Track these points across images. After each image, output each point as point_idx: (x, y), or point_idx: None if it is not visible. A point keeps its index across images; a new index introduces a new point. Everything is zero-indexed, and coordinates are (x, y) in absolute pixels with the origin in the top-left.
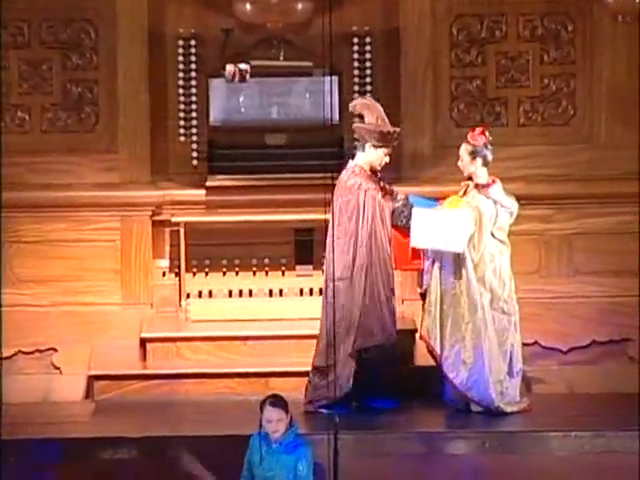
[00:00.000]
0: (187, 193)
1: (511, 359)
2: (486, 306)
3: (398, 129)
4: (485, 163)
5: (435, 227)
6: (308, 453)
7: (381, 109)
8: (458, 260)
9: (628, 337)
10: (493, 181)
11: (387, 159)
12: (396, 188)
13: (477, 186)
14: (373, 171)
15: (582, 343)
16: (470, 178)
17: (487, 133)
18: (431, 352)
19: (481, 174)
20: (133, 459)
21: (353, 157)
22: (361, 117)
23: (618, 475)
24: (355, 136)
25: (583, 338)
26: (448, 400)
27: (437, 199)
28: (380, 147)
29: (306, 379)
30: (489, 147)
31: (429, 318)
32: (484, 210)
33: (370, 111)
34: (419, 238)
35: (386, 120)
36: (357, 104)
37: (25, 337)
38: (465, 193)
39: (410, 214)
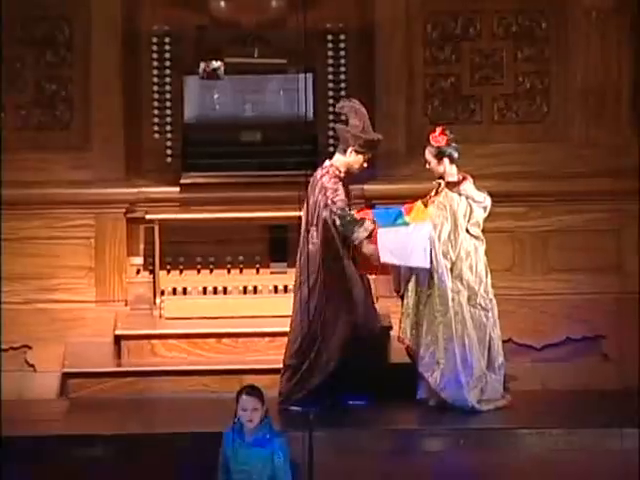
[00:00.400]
0: (161, 190)
1: (491, 354)
2: (464, 303)
3: (381, 137)
4: (452, 161)
5: (399, 245)
6: (283, 444)
7: (366, 114)
8: (432, 260)
9: (602, 334)
10: (464, 178)
11: (366, 164)
12: (367, 186)
13: (448, 184)
14: (348, 173)
15: (556, 340)
16: (441, 177)
17: (447, 131)
18: (409, 353)
19: (451, 172)
20: (107, 457)
21: (331, 156)
22: (346, 119)
23: (592, 472)
24: (334, 136)
25: (557, 335)
26: (422, 398)
27: (403, 203)
28: (362, 153)
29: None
30: (453, 145)
31: (407, 319)
32: (458, 208)
33: (357, 115)
34: (386, 256)
35: (370, 126)
36: (345, 106)
37: None
38: (437, 192)
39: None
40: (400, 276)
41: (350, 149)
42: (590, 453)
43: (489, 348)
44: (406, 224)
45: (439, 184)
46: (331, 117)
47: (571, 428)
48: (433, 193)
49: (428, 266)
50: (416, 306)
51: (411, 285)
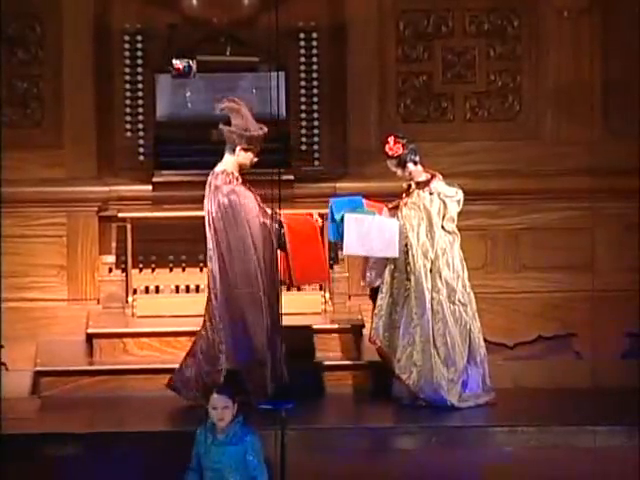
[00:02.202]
0: (134, 189)
1: (472, 348)
2: (444, 302)
3: (266, 129)
4: (415, 163)
5: (368, 234)
6: (256, 442)
7: (248, 110)
8: (410, 262)
9: (574, 332)
10: (433, 176)
11: (256, 158)
12: (339, 184)
13: (418, 184)
14: (241, 171)
15: (528, 338)
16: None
17: (400, 137)
18: (380, 354)
19: (417, 174)
20: (79, 455)
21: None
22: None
23: (565, 470)
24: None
25: (529, 333)
26: (395, 396)
27: (363, 196)
28: (250, 150)
29: None
30: (410, 147)
31: (380, 321)
32: (431, 206)
33: (239, 114)
34: (352, 245)
35: (254, 122)
36: (225, 106)
37: None
38: (408, 194)
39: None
40: (369, 268)
41: (238, 148)
42: (563, 451)
43: (470, 342)
44: (372, 214)
45: (409, 185)
46: (303, 115)
47: (544, 426)
48: (404, 195)
49: (397, 255)
50: (390, 307)
51: (385, 287)
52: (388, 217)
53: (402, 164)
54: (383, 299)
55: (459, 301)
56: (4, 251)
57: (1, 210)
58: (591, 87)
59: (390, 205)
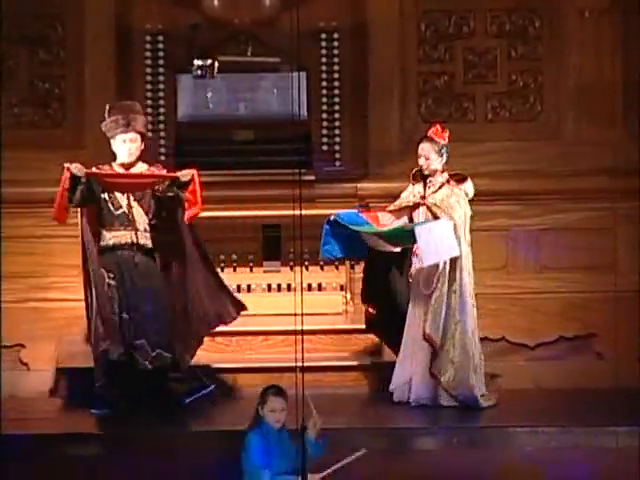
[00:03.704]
0: None
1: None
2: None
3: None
4: (447, 160)
5: (435, 240)
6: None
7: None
8: (457, 259)
9: (595, 333)
10: (465, 177)
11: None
12: (361, 185)
13: (449, 181)
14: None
15: (549, 339)
16: (429, 174)
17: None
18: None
19: (443, 170)
20: (100, 456)
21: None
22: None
23: (584, 470)
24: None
25: (550, 334)
26: (413, 398)
27: (359, 210)
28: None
29: (277, 375)
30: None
31: (432, 318)
32: (464, 204)
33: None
34: (430, 255)
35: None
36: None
37: None
38: (430, 190)
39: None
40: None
41: (112, 141)
42: (584, 451)
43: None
44: (377, 230)
45: (429, 181)
46: (324, 115)
47: (564, 426)
48: (421, 192)
49: (459, 253)
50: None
51: (441, 282)
52: (387, 221)
53: (440, 152)
54: (437, 295)
55: (474, 300)
56: (25, 251)
57: (1, 210)
58: (612, 87)
59: (393, 207)
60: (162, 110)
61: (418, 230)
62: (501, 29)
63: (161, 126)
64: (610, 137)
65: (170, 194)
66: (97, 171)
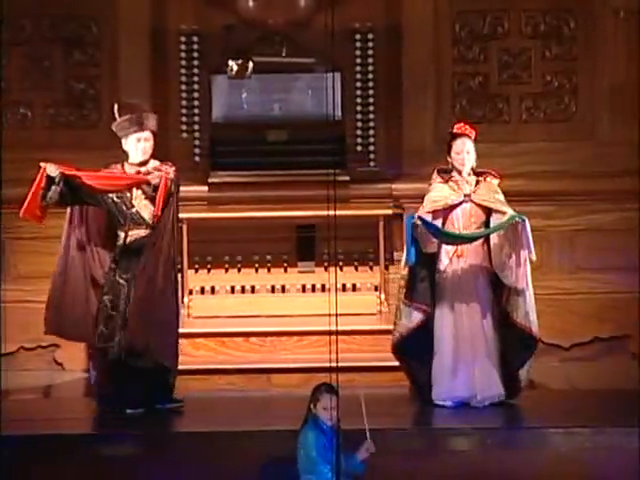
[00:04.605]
0: (189, 189)
1: None
2: None
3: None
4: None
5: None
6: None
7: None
8: None
9: (629, 334)
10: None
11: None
12: (395, 185)
13: (484, 177)
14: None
15: (583, 340)
16: (458, 172)
17: None
18: None
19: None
20: (134, 456)
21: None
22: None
23: (619, 472)
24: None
25: (584, 334)
26: (442, 399)
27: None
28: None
29: (308, 375)
30: None
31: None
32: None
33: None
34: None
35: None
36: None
37: (27, 333)
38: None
39: None
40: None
41: (123, 141)
42: (618, 452)
43: None
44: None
45: (462, 179)
46: (359, 116)
47: (599, 427)
48: (468, 190)
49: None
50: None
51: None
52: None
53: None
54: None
55: None
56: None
57: (1, 211)
58: None
59: (433, 207)
60: (197, 111)
61: (527, 223)
62: (536, 29)
63: (196, 127)
64: None
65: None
66: (73, 172)
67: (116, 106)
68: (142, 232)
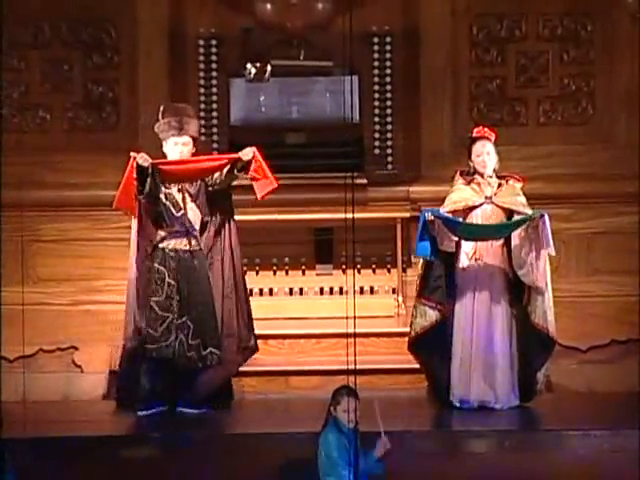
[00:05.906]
0: None
1: None
2: None
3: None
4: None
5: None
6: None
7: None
8: None
9: None
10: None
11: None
12: (413, 188)
13: (507, 180)
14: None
15: (601, 342)
16: (480, 175)
17: None
18: None
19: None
20: (153, 458)
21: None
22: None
23: (638, 474)
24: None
25: (602, 337)
26: (460, 401)
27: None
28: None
29: (326, 378)
30: None
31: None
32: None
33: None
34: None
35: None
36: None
37: (46, 335)
38: (497, 188)
39: None
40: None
41: (163, 143)
42: (635, 454)
43: None
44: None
45: (484, 181)
46: (377, 119)
47: (616, 429)
48: (489, 192)
49: None
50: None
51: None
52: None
53: (495, 152)
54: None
55: None
56: (79, 254)
57: (1, 214)
58: None
59: (454, 208)
60: (215, 114)
61: (546, 218)
62: (553, 33)
63: (214, 130)
64: None
65: (228, 181)
66: (159, 160)
67: (161, 107)
68: (184, 237)
